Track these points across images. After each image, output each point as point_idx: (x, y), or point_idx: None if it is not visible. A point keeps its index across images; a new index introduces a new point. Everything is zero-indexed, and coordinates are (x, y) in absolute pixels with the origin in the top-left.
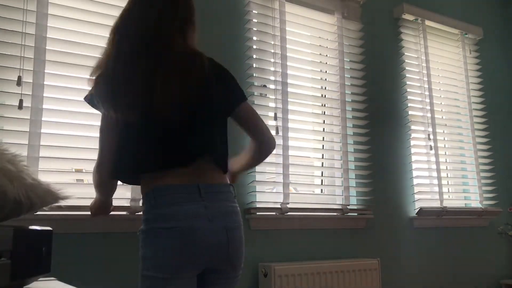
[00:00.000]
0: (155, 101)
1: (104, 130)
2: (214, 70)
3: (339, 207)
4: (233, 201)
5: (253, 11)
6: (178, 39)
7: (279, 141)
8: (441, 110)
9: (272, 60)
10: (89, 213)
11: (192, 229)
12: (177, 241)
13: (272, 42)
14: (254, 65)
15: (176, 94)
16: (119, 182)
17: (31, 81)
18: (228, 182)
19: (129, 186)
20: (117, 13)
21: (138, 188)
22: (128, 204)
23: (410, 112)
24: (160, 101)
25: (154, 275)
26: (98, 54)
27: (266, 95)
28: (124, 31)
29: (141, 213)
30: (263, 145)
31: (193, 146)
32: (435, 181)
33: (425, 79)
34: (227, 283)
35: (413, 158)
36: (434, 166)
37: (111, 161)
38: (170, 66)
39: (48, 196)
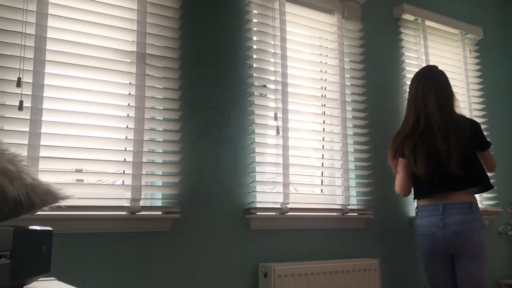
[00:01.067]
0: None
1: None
2: (472, 127)
3: (339, 207)
4: (467, 212)
5: (253, 11)
6: (449, 109)
7: (279, 141)
8: None
9: (272, 60)
10: (89, 212)
11: (431, 233)
12: (425, 238)
13: (272, 42)
14: (254, 65)
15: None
16: (118, 182)
17: (31, 81)
18: (470, 200)
19: (129, 187)
20: (117, 13)
21: (138, 188)
22: (128, 204)
23: None
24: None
25: (421, 257)
26: (98, 54)
27: (266, 95)
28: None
29: (141, 213)
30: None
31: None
32: None
33: None
34: (469, 264)
35: None
36: None
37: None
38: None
39: (48, 196)
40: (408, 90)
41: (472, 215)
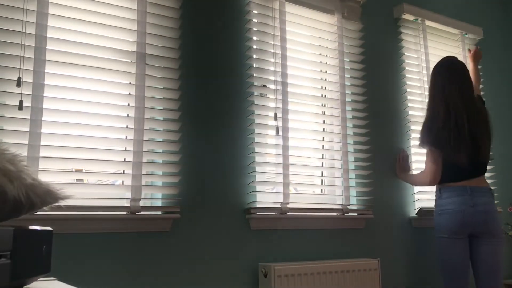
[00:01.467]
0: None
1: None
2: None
3: (339, 207)
4: (490, 196)
5: (253, 11)
6: (473, 98)
7: (279, 141)
8: None
9: (272, 60)
10: (89, 212)
11: (461, 210)
12: (453, 215)
13: (272, 42)
14: (254, 65)
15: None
16: (118, 182)
17: (31, 81)
18: (489, 186)
19: (129, 187)
20: (117, 13)
21: (138, 188)
22: (128, 204)
23: (410, 112)
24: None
25: (440, 236)
26: (98, 54)
27: (266, 95)
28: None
29: (141, 213)
30: None
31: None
32: None
33: (425, 79)
34: (489, 243)
35: (413, 158)
36: None
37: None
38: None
39: (48, 196)
40: (431, 81)
41: (493, 198)
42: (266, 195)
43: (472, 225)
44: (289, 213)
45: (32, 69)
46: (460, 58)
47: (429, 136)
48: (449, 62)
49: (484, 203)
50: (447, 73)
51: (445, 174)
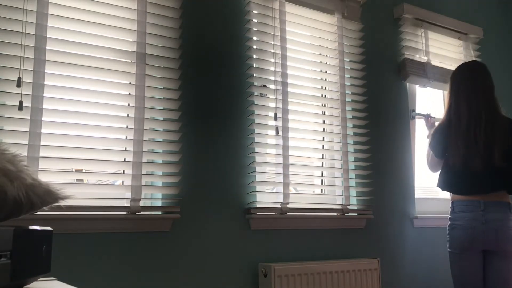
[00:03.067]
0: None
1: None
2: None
3: (339, 207)
4: (505, 211)
5: (253, 11)
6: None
7: (279, 141)
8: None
9: (272, 60)
10: (89, 212)
11: (472, 227)
12: (465, 231)
13: (272, 42)
14: (254, 65)
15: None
16: (118, 182)
17: (31, 81)
18: (508, 200)
19: (129, 187)
20: (117, 13)
21: (138, 188)
22: (128, 204)
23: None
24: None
25: (452, 251)
26: (98, 54)
27: (266, 95)
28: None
29: (141, 213)
30: None
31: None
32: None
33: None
34: (502, 260)
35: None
36: None
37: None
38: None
39: (48, 196)
40: (452, 83)
41: (509, 214)
42: (266, 195)
43: (483, 242)
44: (289, 213)
45: (32, 69)
46: (460, 58)
47: (449, 140)
48: (465, 65)
49: (496, 219)
50: (460, 76)
51: (457, 184)
